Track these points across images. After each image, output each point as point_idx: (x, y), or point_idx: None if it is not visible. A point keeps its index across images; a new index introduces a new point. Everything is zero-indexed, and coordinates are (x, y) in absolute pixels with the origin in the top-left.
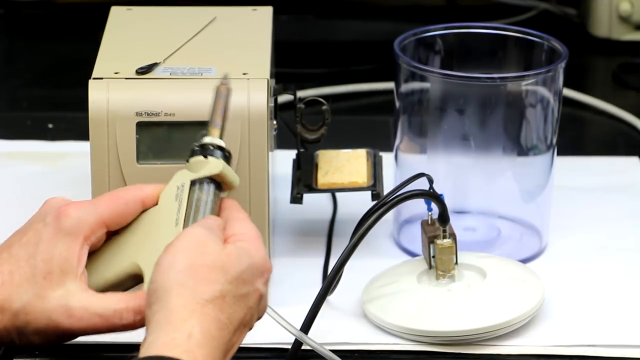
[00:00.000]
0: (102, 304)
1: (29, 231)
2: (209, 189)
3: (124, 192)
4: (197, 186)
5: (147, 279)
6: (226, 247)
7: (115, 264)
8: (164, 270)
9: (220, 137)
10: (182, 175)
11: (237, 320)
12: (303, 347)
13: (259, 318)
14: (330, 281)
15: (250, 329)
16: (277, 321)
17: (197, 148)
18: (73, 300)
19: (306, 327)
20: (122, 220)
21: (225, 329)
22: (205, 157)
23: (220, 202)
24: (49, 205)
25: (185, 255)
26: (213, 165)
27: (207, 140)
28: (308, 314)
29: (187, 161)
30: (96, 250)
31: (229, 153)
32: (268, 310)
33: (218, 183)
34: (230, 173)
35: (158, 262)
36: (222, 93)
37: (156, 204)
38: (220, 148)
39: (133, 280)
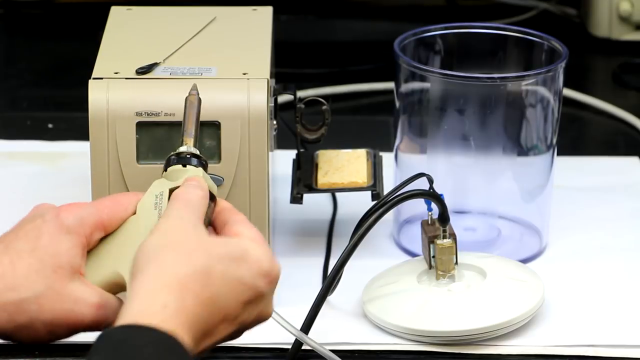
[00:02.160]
0: (112, 299)
1: (25, 227)
2: None
3: (124, 197)
4: None
5: (128, 287)
6: (219, 236)
7: (99, 272)
8: (144, 248)
9: (195, 146)
10: (160, 184)
11: (223, 306)
12: (303, 347)
13: (259, 321)
14: (330, 281)
15: (246, 329)
16: (277, 321)
17: (173, 157)
18: (86, 294)
19: (306, 327)
20: (119, 225)
21: (206, 308)
22: (184, 165)
23: (214, 206)
24: (41, 207)
25: (169, 234)
26: (192, 173)
27: (183, 149)
28: (308, 314)
29: (165, 170)
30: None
31: (205, 161)
32: None
33: None
34: (209, 180)
35: (142, 244)
36: (193, 103)
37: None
38: (196, 156)
39: (117, 287)
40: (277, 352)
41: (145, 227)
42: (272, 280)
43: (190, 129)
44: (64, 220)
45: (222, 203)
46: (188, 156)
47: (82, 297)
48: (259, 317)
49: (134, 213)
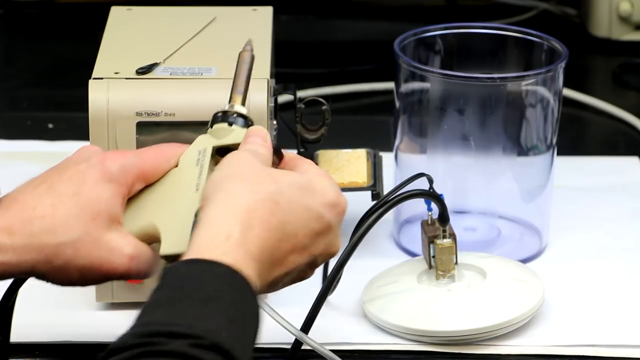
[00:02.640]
0: (146, 251)
1: (69, 169)
2: None
3: (168, 149)
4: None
5: (164, 241)
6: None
7: (135, 222)
8: (212, 179)
9: (243, 104)
10: (204, 140)
11: (292, 233)
12: (303, 347)
13: (329, 255)
14: (330, 281)
15: (316, 263)
16: (277, 321)
17: (220, 114)
18: (122, 244)
19: (306, 326)
20: (160, 176)
21: (274, 235)
22: (230, 124)
23: (280, 160)
24: (88, 150)
25: (236, 165)
26: (237, 134)
27: (230, 107)
28: (308, 314)
29: (210, 127)
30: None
31: (252, 121)
32: (268, 310)
33: None
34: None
35: (210, 177)
36: (245, 59)
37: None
38: (243, 116)
39: (151, 239)
40: (277, 352)
41: (186, 182)
42: (340, 212)
43: (240, 86)
44: (109, 167)
45: (288, 154)
46: (235, 115)
47: (118, 247)
48: (327, 249)
49: (176, 166)
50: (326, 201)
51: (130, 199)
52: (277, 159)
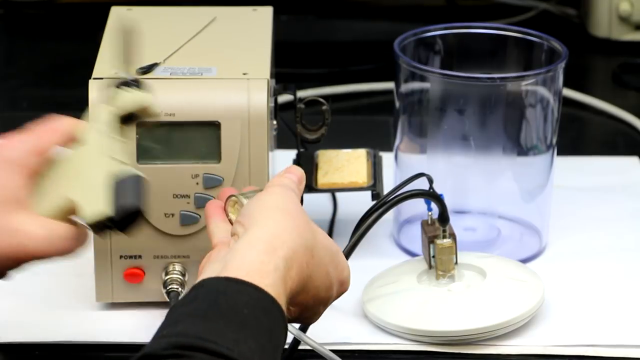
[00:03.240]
0: (58, 228)
1: None
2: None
3: (62, 122)
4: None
5: (86, 210)
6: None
7: (48, 201)
8: (262, 202)
9: (127, 71)
10: (103, 111)
11: (309, 290)
12: (303, 347)
13: (309, 323)
14: None
15: (297, 321)
16: None
17: (109, 82)
18: (32, 226)
19: (304, 325)
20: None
21: (302, 282)
22: (120, 88)
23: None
24: None
25: (286, 202)
26: (132, 97)
27: (115, 74)
28: None
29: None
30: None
31: (139, 82)
32: None
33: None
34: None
35: (256, 197)
36: (121, 30)
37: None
38: (130, 81)
39: (68, 213)
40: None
41: (95, 152)
42: (343, 291)
43: (121, 54)
44: (6, 154)
45: None
46: (121, 80)
47: (28, 229)
48: (313, 317)
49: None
50: (341, 277)
51: (40, 180)
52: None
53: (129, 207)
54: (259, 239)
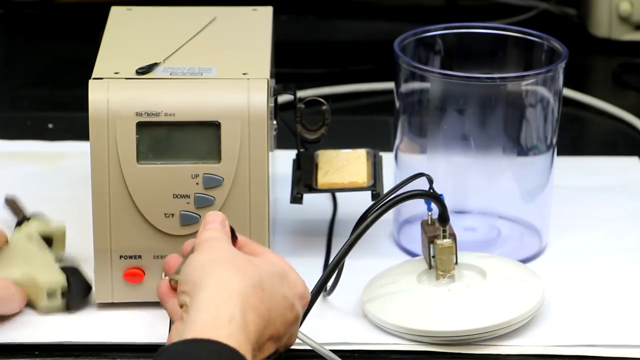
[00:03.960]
0: None
1: None
2: None
3: None
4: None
5: (40, 280)
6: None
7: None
8: (196, 263)
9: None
10: (28, 227)
11: (273, 322)
12: (303, 347)
13: (288, 346)
14: (325, 278)
15: (276, 354)
16: None
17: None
18: None
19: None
20: None
21: (262, 323)
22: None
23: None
24: None
25: (218, 253)
26: (48, 224)
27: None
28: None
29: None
30: None
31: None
32: None
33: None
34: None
35: (188, 261)
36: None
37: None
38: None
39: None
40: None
41: (25, 253)
42: (305, 304)
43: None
44: None
45: (242, 238)
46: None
47: None
48: (289, 340)
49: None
50: (298, 292)
51: None
52: (233, 241)
53: (81, 282)
54: (206, 300)
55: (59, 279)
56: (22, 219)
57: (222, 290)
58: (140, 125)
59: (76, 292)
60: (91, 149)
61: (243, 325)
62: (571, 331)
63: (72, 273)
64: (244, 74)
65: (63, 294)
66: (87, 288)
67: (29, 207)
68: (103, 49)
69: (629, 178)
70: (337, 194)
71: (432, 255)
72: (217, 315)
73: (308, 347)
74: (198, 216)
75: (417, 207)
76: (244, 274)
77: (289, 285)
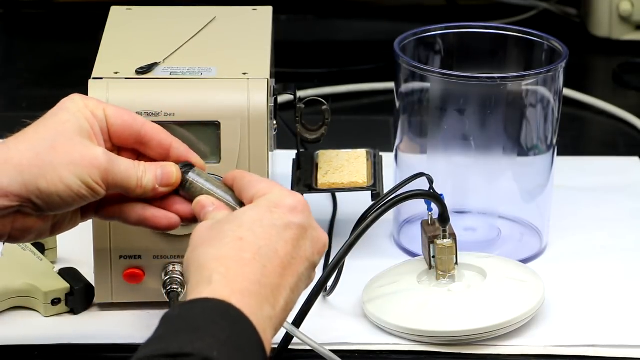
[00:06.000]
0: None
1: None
2: None
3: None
4: None
5: (41, 287)
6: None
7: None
8: (186, 259)
9: None
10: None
11: (272, 253)
12: (302, 347)
13: (319, 248)
14: (324, 279)
15: (314, 263)
16: None
17: None
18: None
19: (298, 320)
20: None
21: (254, 263)
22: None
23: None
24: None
25: (198, 235)
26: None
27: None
28: (300, 308)
29: None
30: None
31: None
32: None
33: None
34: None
35: (186, 256)
36: None
37: None
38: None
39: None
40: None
41: (18, 265)
42: (302, 209)
43: None
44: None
45: (233, 172)
46: None
47: (90, 144)
48: (315, 246)
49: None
50: (285, 209)
51: None
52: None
53: (83, 285)
54: (190, 289)
55: (61, 285)
56: None
57: (198, 271)
58: None
59: (80, 296)
60: None
61: (225, 282)
62: (571, 331)
63: (73, 277)
64: (244, 73)
65: (67, 299)
66: (90, 290)
67: None
68: (103, 48)
69: (629, 178)
70: (337, 194)
71: (432, 255)
72: (198, 290)
73: (308, 347)
74: None
75: (417, 207)
76: (218, 238)
77: (272, 211)
